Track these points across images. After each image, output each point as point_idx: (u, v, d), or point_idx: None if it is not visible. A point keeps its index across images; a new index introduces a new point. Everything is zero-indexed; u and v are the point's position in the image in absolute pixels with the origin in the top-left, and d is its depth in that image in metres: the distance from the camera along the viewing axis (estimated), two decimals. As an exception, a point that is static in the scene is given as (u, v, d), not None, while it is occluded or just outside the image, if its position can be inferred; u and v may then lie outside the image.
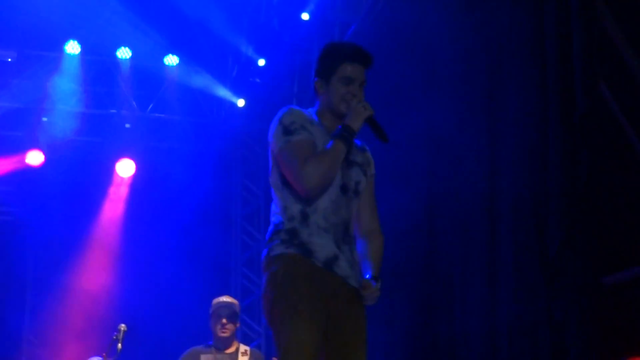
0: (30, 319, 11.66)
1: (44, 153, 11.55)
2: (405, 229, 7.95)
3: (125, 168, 11.73)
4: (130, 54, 11.13)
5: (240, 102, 11.52)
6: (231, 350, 7.71)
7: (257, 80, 11.23)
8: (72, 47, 10.91)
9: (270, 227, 4.23)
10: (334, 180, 4.13)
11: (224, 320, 7.68)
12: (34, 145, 11.57)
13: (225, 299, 7.79)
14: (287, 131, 4.12)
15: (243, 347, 7.76)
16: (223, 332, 7.64)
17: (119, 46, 11.10)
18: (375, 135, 4.23)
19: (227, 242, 12.31)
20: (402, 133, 7.69)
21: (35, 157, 11.55)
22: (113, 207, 11.90)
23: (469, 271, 7.09)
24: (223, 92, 11.50)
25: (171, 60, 11.30)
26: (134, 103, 11.57)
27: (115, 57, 11.17)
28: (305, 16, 9.95)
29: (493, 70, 6.88)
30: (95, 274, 11.54)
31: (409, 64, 8.37)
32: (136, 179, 11.78)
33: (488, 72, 6.95)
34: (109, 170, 11.74)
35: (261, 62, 10.94)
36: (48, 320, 11.38)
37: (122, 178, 11.82)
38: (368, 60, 4.25)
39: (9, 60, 10.76)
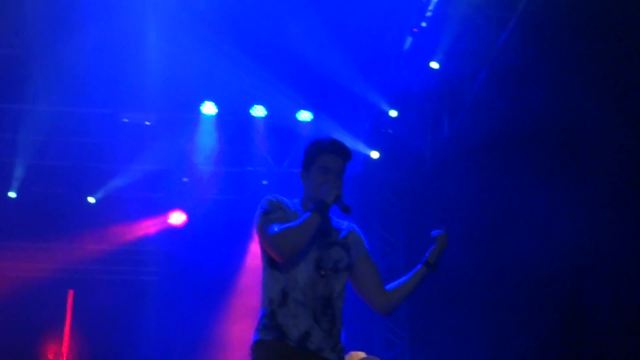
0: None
1: (185, 213, 11.84)
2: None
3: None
4: (264, 111, 11.29)
5: (375, 154, 11.50)
6: (364, 404, 7.64)
7: (390, 131, 11.21)
8: (208, 108, 11.15)
9: (259, 313, 4.60)
10: (310, 259, 4.48)
11: (364, 376, 7.64)
12: (176, 205, 11.87)
13: (367, 356, 7.74)
14: (265, 211, 4.51)
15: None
16: (360, 387, 7.59)
17: (253, 104, 11.28)
18: (341, 210, 4.51)
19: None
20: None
21: (177, 217, 11.85)
22: (255, 262, 12.04)
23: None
24: (357, 145, 11.52)
25: (305, 116, 11.41)
26: (270, 160, 11.72)
27: (250, 115, 11.36)
28: (434, 65, 9.91)
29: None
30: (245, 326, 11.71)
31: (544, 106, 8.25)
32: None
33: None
34: (249, 226, 11.88)
35: (393, 113, 10.92)
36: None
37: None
38: (345, 153, 4.62)
39: (147, 123, 11.05)
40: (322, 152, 4.62)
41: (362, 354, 7.78)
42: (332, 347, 4.51)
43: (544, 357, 10.03)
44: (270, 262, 4.55)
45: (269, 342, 4.46)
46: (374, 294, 4.77)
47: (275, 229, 4.41)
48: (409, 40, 9.92)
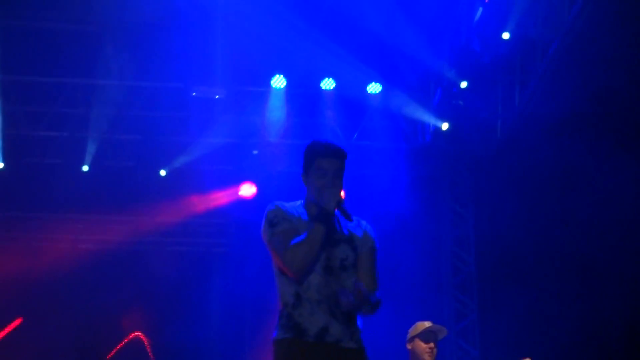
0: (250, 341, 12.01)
1: (256, 185, 11.92)
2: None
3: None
4: (334, 84, 11.28)
5: (445, 126, 11.43)
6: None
7: (460, 102, 11.12)
8: (278, 81, 11.19)
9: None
10: (320, 261, 4.66)
11: (432, 345, 7.66)
12: (246, 177, 11.95)
13: (433, 324, 7.75)
14: (271, 224, 4.70)
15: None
16: (430, 357, 7.62)
17: (322, 77, 11.28)
18: (343, 215, 4.76)
19: (437, 266, 12.24)
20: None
21: (248, 190, 11.93)
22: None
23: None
24: (427, 117, 11.47)
25: (374, 88, 11.38)
26: (339, 132, 11.73)
27: (319, 88, 11.36)
28: (505, 35, 9.79)
29: None
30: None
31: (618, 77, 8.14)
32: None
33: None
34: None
35: (463, 85, 10.84)
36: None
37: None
38: (339, 153, 4.82)
39: (217, 97, 11.12)
40: (318, 155, 4.79)
41: (427, 324, 7.78)
42: (351, 336, 4.71)
43: (614, 329, 9.97)
44: (280, 270, 4.72)
45: (288, 340, 4.66)
46: (367, 284, 4.81)
47: (283, 246, 4.59)
48: (479, 11, 9.82)
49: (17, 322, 9.04)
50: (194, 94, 11.20)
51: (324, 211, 4.63)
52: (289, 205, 4.85)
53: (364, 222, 4.98)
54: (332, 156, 4.80)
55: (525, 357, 7.61)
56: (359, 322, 4.84)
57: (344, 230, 4.86)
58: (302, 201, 4.90)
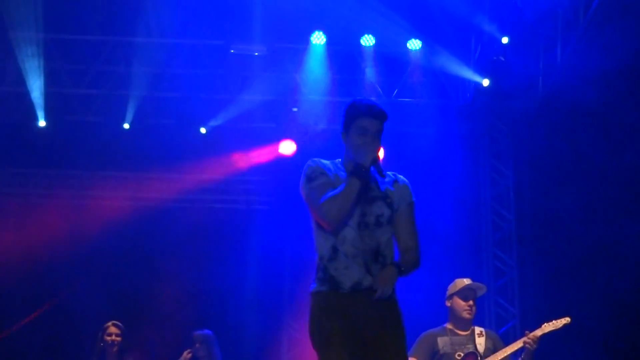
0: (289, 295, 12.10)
1: (295, 143, 11.93)
2: None
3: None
4: (373, 40, 11.23)
5: (485, 82, 11.35)
6: (467, 332, 7.70)
7: (502, 58, 11.03)
8: (318, 38, 11.16)
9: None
10: (355, 217, 4.83)
11: (471, 302, 7.67)
12: (286, 135, 11.97)
13: (472, 282, 7.76)
14: (309, 179, 4.92)
15: (478, 329, 7.75)
16: (469, 314, 7.64)
17: (362, 34, 11.22)
18: (377, 172, 4.89)
19: (477, 223, 12.22)
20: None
21: (287, 147, 11.95)
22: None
23: None
24: (467, 73, 11.39)
25: (414, 44, 11.31)
26: (379, 89, 11.70)
27: (359, 44, 11.31)
28: (547, -11, 9.70)
29: None
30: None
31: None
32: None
33: None
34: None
35: (504, 40, 10.74)
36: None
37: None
38: (381, 114, 4.94)
39: (256, 54, 11.12)
40: (360, 115, 4.93)
41: (467, 281, 7.80)
42: None
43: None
44: (318, 223, 4.91)
45: (324, 292, 4.89)
46: (404, 238, 5.03)
47: (320, 198, 4.78)
48: (521, -34, 9.73)
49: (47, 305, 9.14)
50: (232, 51, 11.20)
51: (359, 166, 4.77)
52: (327, 162, 5.02)
53: (401, 178, 5.13)
54: (374, 117, 4.92)
55: (565, 316, 7.62)
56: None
57: (381, 187, 5.01)
58: (341, 159, 5.06)
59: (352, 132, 4.93)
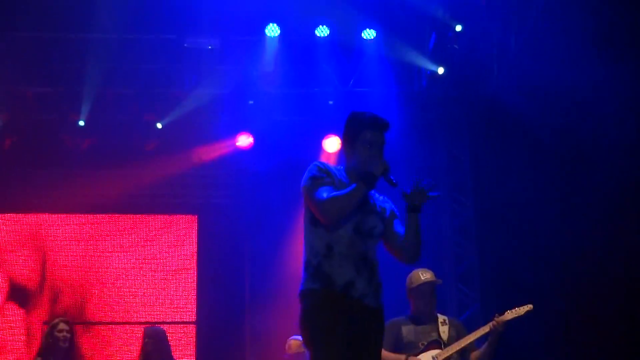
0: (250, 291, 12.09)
1: (252, 135, 11.90)
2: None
3: (332, 144, 11.93)
4: (328, 31, 11.20)
5: (440, 70, 11.38)
6: (430, 321, 7.75)
7: (456, 46, 11.06)
8: (272, 30, 11.10)
9: (303, 265, 5.18)
10: (352, 222, 5.10)
11: (430, 295, 7.75)
12: (243, 128, 11.93)
13: (431, 276, 7.79)
14: (315, 177, 5.12)
15: (442, 317, 7.81)
16: (429, 306, 7.72)
17: (317, 25, 11.18)
18: (388, 183, 5.15)
19: (436, 210, 12.26)
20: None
21: (245, 140, 11.92)
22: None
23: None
24: (422, 62, 11.42)
25: (369, 34, 11.30)
26: (335, 79, 11.69)
27: (314, 35, 11.27)
28: (501, -23, 9.73)
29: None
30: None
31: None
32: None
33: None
34: (317, 147, 11.92)
35: (458, 28, 10.78)
36: (265, 296, 11.75)
37: (329, 154, 12.00)
38: (386, 127, 5.23)
39: (210, 47, 11.05)
40: (365, 127, 5.20)
41: (423, 276, 7.81)
42: (373, 292, 5.16)
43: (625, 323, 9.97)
44: (313, 221, 5.13)
45: (317, 290, 5.06)
46: (398, 250, 5.33)
47: (324, 194, 4.99)
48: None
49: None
50: (185, 45, 11.12)
51: (371, 174, 5.02)
52: (332, 166, 5.28)
53: (389, 201, 5.50)
54: (380, 129, 5.22)
55: (527, 303, 7.69)
56: (380, 278, 5.27)
57: (377, 203, 5.34)
58: (343, 166, 5.36)
59: (358, 145, 5.19)
